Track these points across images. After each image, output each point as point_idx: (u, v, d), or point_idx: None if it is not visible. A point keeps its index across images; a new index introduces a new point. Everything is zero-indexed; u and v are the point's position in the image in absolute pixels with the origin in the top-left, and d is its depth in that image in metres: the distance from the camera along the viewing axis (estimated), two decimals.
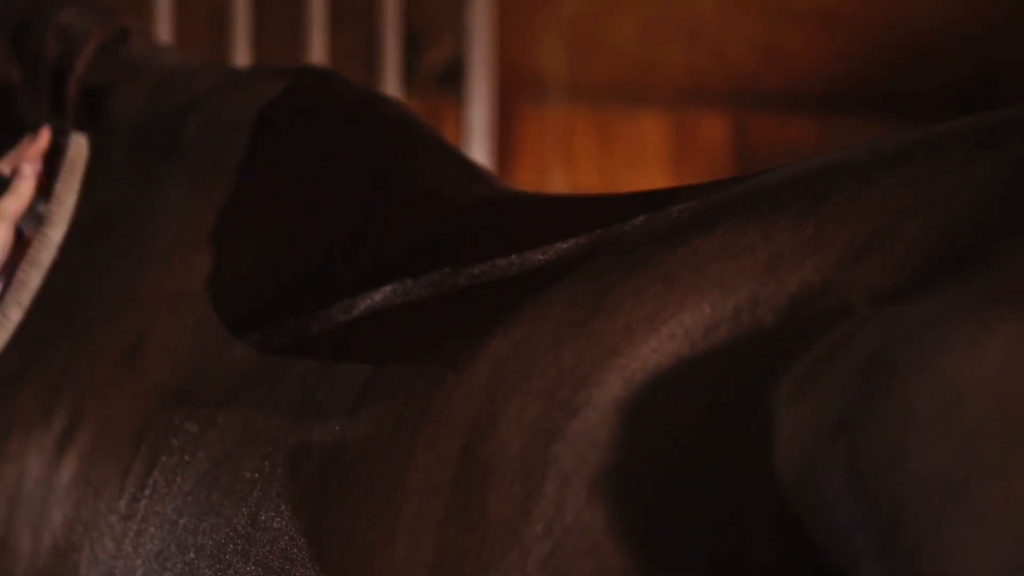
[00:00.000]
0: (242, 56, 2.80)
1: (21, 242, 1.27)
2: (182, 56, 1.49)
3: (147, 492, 1.05)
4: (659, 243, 0.79)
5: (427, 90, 3.85)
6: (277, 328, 1.06)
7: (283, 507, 0.90)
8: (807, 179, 0.75)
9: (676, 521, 0.64)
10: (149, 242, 1.27)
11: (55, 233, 1.26)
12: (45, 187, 1.30)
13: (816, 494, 0.55)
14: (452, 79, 2.89)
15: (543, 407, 0.75)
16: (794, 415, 0.59)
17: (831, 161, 0.77)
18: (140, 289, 1.21)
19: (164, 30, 2.73)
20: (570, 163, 5.37)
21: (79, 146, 1.34)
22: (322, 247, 1.13)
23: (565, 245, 0.88)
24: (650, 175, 5.57)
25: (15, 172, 1.26)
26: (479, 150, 2.80)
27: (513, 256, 0.92)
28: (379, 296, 0.99)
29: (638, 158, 5.79)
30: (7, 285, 1.24)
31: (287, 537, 0.89)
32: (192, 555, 0.97)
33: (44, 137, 1.30)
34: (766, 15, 5.19)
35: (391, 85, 2.82)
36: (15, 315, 1.22)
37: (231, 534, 0.94)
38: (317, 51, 2.84)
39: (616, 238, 0.84)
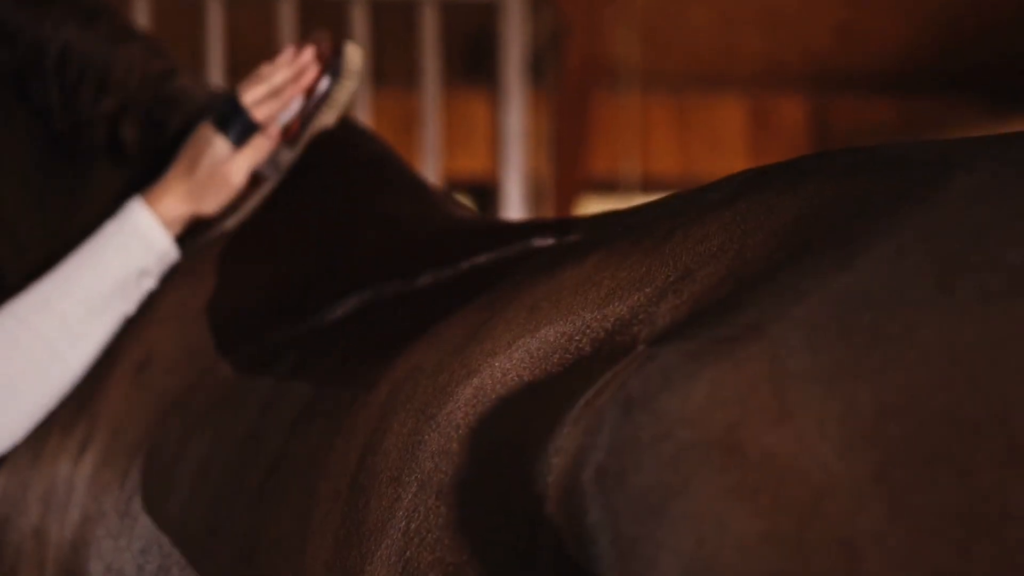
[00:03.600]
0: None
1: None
2: (218, 91, 1.64)
3: (140, 493, 1.19)
4: (542, 272, 0.89)
5: (487, 90, 3.97)
6: (253, 349, 1.19)
7: (235, 513, 1.04)
8: (669, 215, 0.83)
9: (492, 522, 0.76)
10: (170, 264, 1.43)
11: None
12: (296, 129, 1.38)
13: (571, 512, 0.66)
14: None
15: (416, 422, 0.85)
16: (568, 440, 0.70)
17: (693, 197, 0.84)
18: (158, 307, 1.36)
19: (214, 30, 2.86)
20: (646, 150, 5.42)
21: (345, 87, 1.40)
22: (299, 277, 1.26)
23: (484, 264, 0.99)
24: (728, 161, 5.58)
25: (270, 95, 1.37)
26: (515, 148, 2.94)
27: (442, 273, 1.04)
28: (334, 318, 1.12)
29: (716, 144, 5.81)
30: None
31: (237, 538, 1.03)
32: (167, 550, 1.12)
33: (310, 68, 1.39)
34: None
35: (431, 89, 2.94)
36: (231, 223, 1.37)
37: (195, 533, 1.09)
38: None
39: (519, 262, 0.95)
